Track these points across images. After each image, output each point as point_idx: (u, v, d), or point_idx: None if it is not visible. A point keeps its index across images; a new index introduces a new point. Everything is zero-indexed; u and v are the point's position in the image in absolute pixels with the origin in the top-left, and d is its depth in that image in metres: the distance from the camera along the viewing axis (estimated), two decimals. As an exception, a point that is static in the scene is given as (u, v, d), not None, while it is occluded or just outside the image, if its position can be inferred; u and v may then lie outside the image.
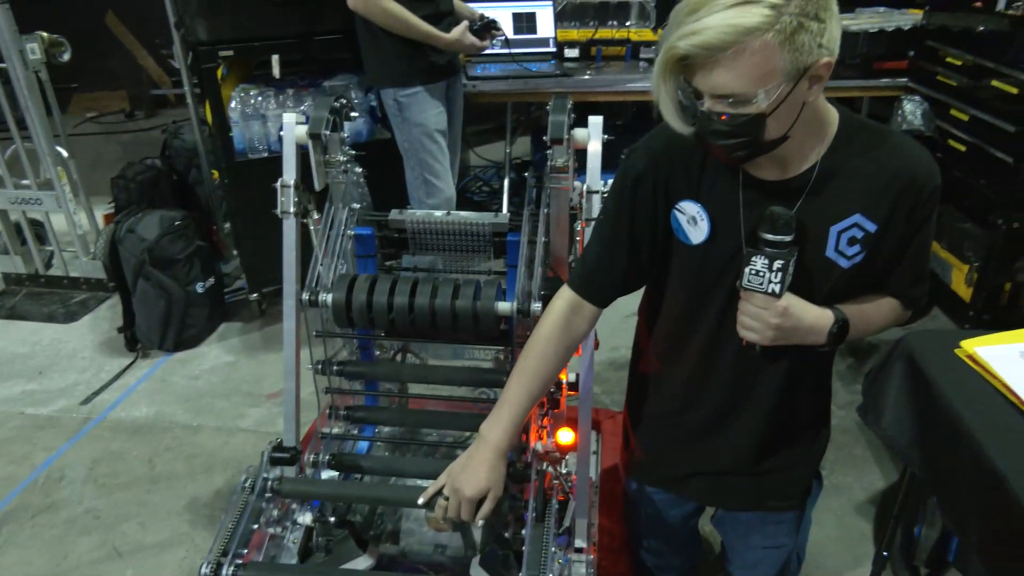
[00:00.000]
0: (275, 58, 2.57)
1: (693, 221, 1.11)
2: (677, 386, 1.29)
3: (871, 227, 1.06)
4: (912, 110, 2.69)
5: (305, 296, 1.41)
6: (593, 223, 1.30)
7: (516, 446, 1.50)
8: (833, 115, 1.07)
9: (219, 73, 2.67)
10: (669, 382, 1.31)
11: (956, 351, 1.27)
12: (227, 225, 3.22)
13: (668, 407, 1.34)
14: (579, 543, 1.50)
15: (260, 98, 2.71)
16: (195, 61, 2.62)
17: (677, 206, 1.12)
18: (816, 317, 1.09)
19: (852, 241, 1.07)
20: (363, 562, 1.55)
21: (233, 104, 2.69)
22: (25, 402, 2.61)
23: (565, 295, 1.20)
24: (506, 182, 3.68)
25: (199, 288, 2.94)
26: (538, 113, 4.06)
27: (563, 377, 1.63)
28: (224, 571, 1.19)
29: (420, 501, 1.19)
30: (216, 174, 3.13)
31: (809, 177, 1.06)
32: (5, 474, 2.23)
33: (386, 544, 1.70)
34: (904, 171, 1.04)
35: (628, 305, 1.30)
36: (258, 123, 2.72)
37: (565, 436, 1.67)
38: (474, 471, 1.15)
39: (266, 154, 2.76)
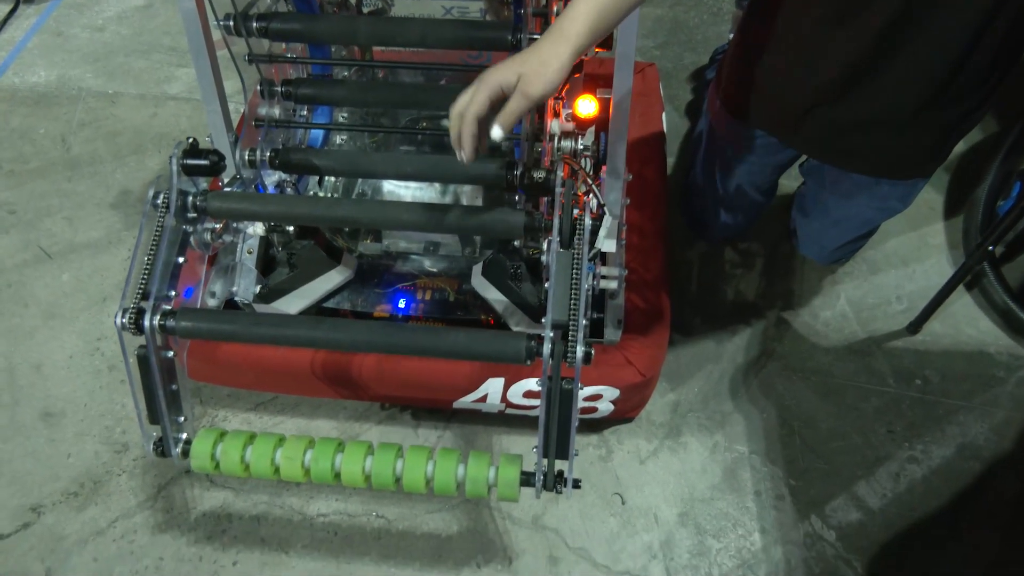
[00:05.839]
0: None
1: None
2: None
3: None
4: None
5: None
6: None
7: (528, 132, 1.10)
8: None
9: None
10: None
11: None
12: None
13: (815, 13, 0.96)
14: (608, 246, 1.21)
15: None
16: None
17: None
18: None
19: None
20: (337, 276, 1.27)
21: None
22: None
23: None
24: None
25: (72, -101, 2.16)
26: None
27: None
28: (147, 321, 0.88)
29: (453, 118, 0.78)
30: None
31: None
32: None
33: (366, 242, 1.40)
34: None
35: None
36: None
37: (586, 106, 1.27)
38: (549, 71, 0.76)
39: None
